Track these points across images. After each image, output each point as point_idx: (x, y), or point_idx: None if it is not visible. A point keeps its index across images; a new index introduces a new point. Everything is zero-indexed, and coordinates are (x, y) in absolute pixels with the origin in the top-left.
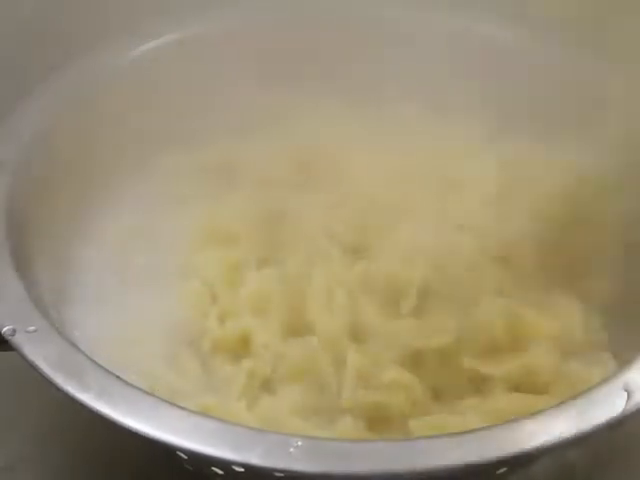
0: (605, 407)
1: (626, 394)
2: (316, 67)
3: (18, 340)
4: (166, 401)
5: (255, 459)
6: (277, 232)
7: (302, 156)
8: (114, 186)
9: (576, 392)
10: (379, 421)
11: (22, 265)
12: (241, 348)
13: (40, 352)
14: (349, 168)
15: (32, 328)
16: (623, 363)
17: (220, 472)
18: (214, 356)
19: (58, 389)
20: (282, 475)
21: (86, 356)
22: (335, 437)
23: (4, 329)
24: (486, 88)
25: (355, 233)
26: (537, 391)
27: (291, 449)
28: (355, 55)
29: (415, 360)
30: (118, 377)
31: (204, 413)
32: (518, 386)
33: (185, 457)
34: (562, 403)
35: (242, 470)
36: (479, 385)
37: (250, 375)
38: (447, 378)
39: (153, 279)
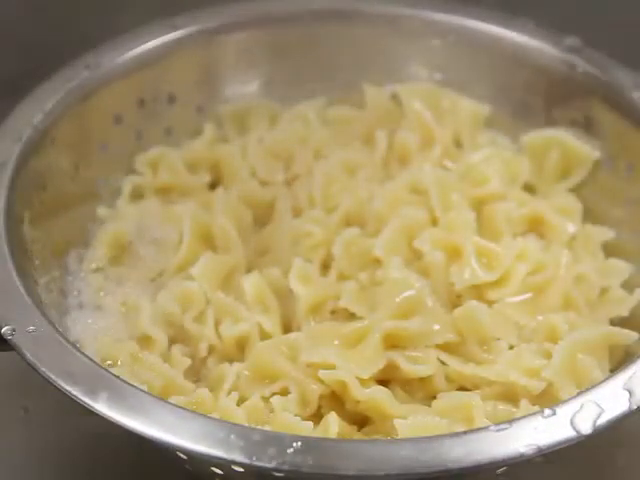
0: (607, 406)
1: (628, 393)
2: (315, 65)
3: (18, 340)
4: (167, 402)
5: (254, 459)
6: (266, 233)
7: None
8: (113, 186)
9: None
10: (363, 421)
11: (22, 265)
12: (236, 353)
13: (39, 352)
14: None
15: (32, 328)
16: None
17: (220, 472)
18: (209, 357)
19: (57, 389)
20: (282, 475)
21: (85, 356)
22: (334, 437)
23: (4, 329)
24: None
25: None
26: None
27: (291, 449)
28: (354, 53)
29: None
30: (117, 377)
31: (204, 414)
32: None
33: (185, 457)
34: (563, 403)
35: (242, 470)
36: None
37: (240, 374)
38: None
39: (150, 279)
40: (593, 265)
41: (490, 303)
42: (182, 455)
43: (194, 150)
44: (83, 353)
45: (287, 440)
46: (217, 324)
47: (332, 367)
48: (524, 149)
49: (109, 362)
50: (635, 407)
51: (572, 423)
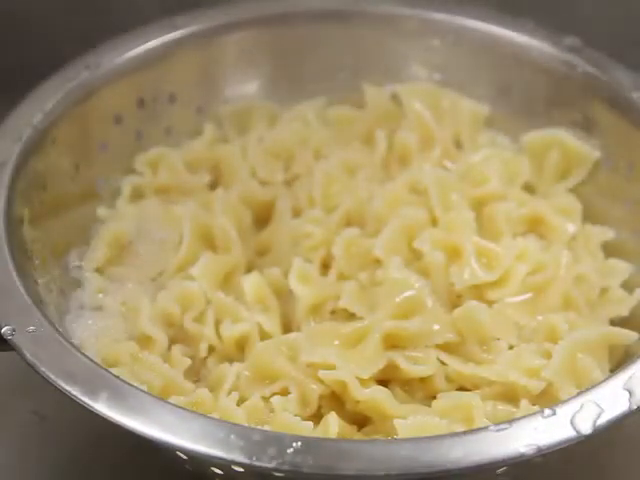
0: (607, 406)
1: (628, 393)
2: (315, 65)
3: (18, 340)
4: (167, 402)
5: (254, 459)
6: (266, 233)
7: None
8: (113, 186)
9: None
10: (363, 421)
11: (22, 265)
12: (236, 353)
13: (39, 352)
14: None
15: (32, 328)
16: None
17: (220, 472)
18: (209, 357)
19: (57, 389)
20: (282, 475)
21: (85, 356)
22: (334, 437)
23: (4, 329)
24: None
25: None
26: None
27: (290, 449)
28: (354, 53)
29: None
30: (117, 377)
31: (204, 414)
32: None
33: (185, 457)
34: (563, 403)
35: (242, 470)
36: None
37: (240, 374)
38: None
39: (150, 279)
40: (593, 265)
41: (490, 303)
42: (182, 455)
43: (194, 150)
44: (83, 353)
45: (287, 440)
46: (217, 324)
47: (332, 367)
48: (524, 149)
49: (109, 362)
50: (635, 407)
51: (572, 423)
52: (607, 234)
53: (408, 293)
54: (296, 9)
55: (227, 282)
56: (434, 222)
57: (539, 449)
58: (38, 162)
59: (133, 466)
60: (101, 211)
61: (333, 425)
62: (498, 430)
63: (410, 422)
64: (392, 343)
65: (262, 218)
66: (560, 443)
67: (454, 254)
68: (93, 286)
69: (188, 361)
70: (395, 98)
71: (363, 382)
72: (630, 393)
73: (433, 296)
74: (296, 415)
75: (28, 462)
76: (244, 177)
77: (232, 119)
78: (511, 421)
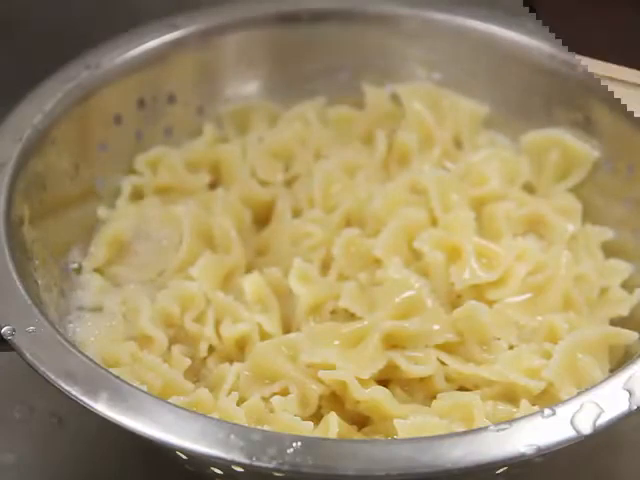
0: (607, 406)
1: (628, 393)
2: (315, 65)
3: (18, 340)
4: (167, 402)
5: (254, 459)
6: (266, 233)
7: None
8: (113, 186)
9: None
10: (363, 421)
11: (22, 265)
12: (236, 353)
13: (39, 352)
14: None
15: (32, 328)
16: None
17: (220, 472)
18: (209, 357)
19: (57, 389)
20: (282, 475)
21: (85, 356)
22: (334, 437)
23: (4, 329)
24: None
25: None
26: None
27: (291, 449)
28: (354, 53)
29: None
30: (117, 377)
31: (204, 414)
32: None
33: (185, 457)
34: (563, 403)
35: (242, 470)
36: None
37: (240, 374)
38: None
39: (150, 279)
40: (593, 265)
41: (490, 303)
42: (182, 455)
43: (194, 150)
44: (83, 353)
45: (287, 440)
46: (217, 324)
47: (332, 367)
48: (524, 149)
49: (109, 362)
50: (635, 407)
51: (572, 423)
52: (607, 234)
53: (408, 293)
54: (296, 9)
55: (227, 282)
56: (434, 222)
57: (539, 449)
58: (38, 162)
59: (133, 466)
60: (101, 211)
61: (333, 425)
62: (498, 430)
63: (410, 422)
64: (392, 343)
65: (262, 218)
66: (560, 443)
67: (454, 254)
68: (93, 286)
69: (188, 361)
70: (395, 98)
71: (363, 382)
72: (630, 393)
73: (433, 296)
74: (296, 415)
75: (28, 462)
76: (244, 177)
77: (232, 119)
78: (511, 421)
